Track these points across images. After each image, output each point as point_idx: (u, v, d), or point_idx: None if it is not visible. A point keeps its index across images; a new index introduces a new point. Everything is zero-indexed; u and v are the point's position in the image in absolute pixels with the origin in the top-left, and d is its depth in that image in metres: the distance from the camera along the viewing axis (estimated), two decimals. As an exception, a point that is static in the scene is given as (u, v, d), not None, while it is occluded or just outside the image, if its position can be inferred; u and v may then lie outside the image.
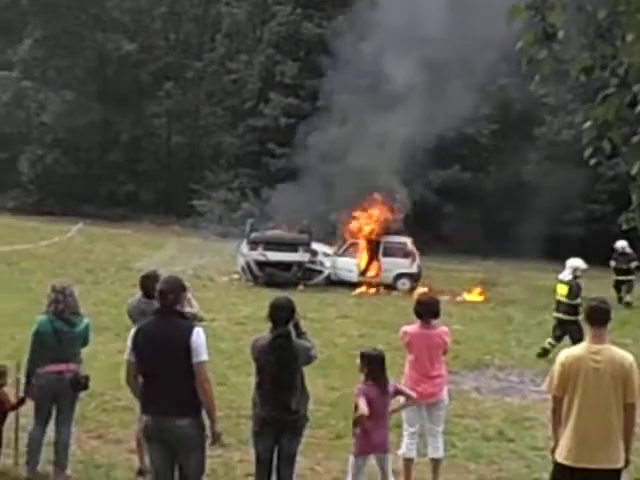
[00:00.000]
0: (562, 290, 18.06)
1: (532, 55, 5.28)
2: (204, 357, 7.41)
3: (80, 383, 9.46)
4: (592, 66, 5.23)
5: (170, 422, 7.38)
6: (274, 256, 28.64)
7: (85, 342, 9.62)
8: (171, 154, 56.46)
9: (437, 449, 9.84)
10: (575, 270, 18.27)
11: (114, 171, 52.74)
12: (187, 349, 7.34)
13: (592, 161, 5.54)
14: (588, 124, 5.34)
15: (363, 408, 8.47)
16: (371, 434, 8.67)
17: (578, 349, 7.37)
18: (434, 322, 9.81)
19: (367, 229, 31.24)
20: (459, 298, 27.14)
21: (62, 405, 9.49)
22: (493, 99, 42.62)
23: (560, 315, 18.02)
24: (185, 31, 58.66)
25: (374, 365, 8.76)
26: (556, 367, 7.30)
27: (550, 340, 17.82)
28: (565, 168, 42.82)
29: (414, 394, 9.13)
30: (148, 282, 9.65)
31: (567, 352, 7.41)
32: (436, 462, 9.85)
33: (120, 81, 54.27)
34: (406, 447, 9.78)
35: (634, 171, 5.40)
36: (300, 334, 8.35)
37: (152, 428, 7.50)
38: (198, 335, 7.42)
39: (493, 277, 33.03)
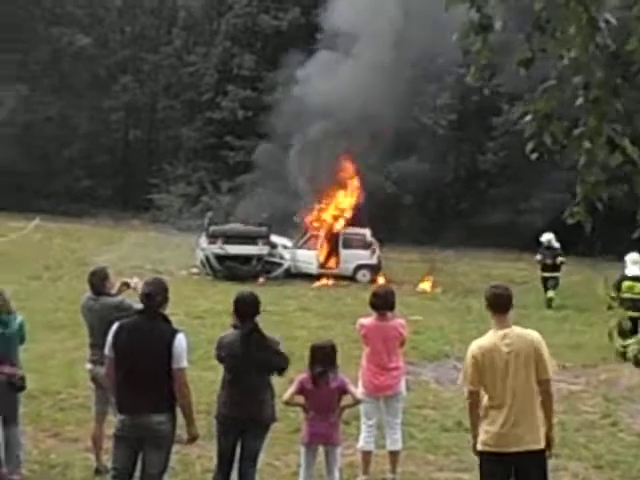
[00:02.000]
0: (636, 288, 17.17)
1: (467, 46, 5.27)
2: (184, 364, 7.49)
3: (14, 385, 9.09)
4: (531, 58, 5.21)
5: (147, 418, 7.45)
6: (233, 249, 28.50)
7: (22, 340, 9.39)
8: (128, 148, 56.11)
9: (395, 441, 9.83)
10: None
11: (71, 166, 52.28)
12: (168, 354, 7.41)
13: (534, 155, 5.51)
14: (529, 117, 5.32)
15: (287, 393, 8.68)
16: (312, 424, 8.70)
17: (487, 338, 7.25)
18: (390, 314, 9.79)
19: (327, 221, 31.24)
20: (418, 289, 27.17)
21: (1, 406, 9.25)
22: (451, 89, 42.66)
23: (637, 314, 16.29)
24: (141, 24, 58.18)
25: (314, 356, 8.73)
26: (469, 360, 7.23)
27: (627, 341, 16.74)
28: (522, 157, 42.95)
29: (361, 397, 9.07)
30: (94, 278, 9.60)
31: (477, 343, 7.27)
32: (394, 454, 9.84)
33: (76, 75, 53.80)
34: (364, 440, 9.78)
35: (580, 164, 5.40)
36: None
37: (129, 427, 7.53)
38: (180, 341, 7.48)
39: (451, 267, 33.20)
